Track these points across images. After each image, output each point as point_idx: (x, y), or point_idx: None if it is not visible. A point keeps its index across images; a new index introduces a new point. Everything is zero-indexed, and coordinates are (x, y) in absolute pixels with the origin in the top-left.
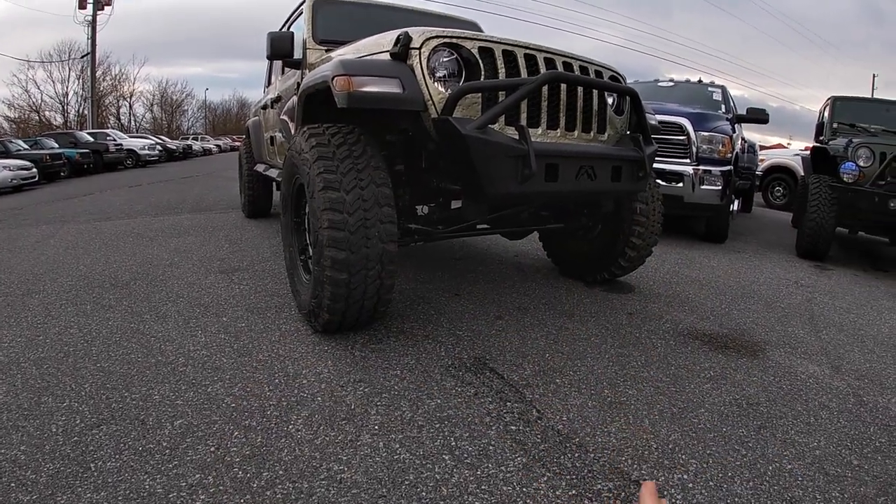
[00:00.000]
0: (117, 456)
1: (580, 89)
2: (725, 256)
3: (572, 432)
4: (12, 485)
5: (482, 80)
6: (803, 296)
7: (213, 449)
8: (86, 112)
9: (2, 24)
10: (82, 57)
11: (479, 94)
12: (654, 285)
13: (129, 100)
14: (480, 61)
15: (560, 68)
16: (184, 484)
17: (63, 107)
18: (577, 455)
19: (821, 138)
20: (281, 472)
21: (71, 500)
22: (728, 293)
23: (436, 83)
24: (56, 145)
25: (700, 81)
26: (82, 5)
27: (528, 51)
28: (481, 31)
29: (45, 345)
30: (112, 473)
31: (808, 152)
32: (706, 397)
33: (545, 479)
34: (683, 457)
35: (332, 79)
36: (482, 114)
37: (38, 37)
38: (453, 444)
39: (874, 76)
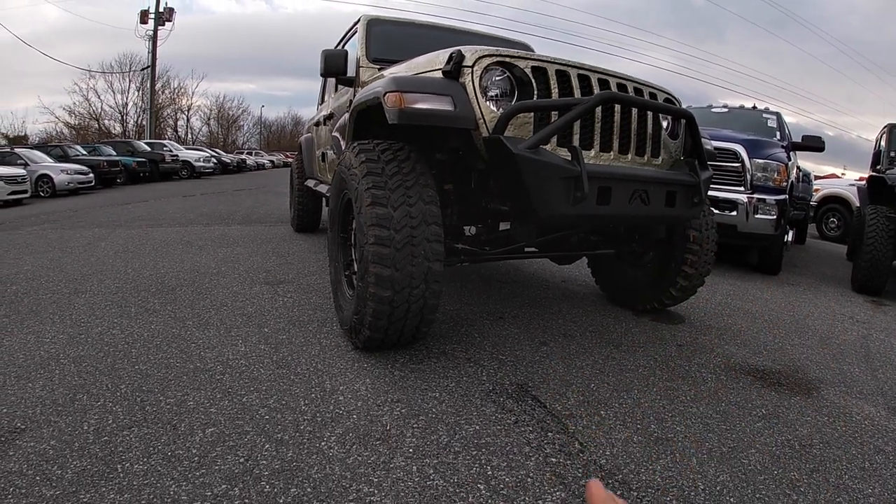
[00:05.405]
0: (145, 459)
1: (634, 111)
2: (779, 289)
3: (615, 468)
4: (37, 478)
5: (534, 99)
6: (859, 332)
7: (242, 460)
8: (144, 122)
9: (63, 33)
10: (142, 70)
11: (532, 114)
12: (705, 317)
13: (186, 113)
14: (533, 81)
15: (614, 89)
16: (209, 493)
17: (122, 116)
18: (619, 493)
19: (878, 167)
20: (309, 490)
21: (94, 500)
22: (781, 327)
23: (488, 102)
24: (114, 153)
25: (754, 108)
26: (144, 20)
27: (581, 71)
28: (533, 52)
29: (87, 343)
30: (138, 476)
31: (864, 182)
32: (757, 437)
33: None
34: (731, 500)
35: (384, 95)
36: (534, 134)
37: (99, 47)
38: (489, 473)
39: None
